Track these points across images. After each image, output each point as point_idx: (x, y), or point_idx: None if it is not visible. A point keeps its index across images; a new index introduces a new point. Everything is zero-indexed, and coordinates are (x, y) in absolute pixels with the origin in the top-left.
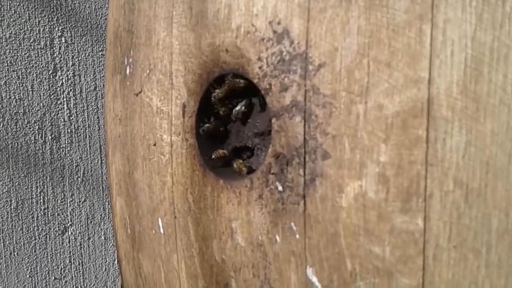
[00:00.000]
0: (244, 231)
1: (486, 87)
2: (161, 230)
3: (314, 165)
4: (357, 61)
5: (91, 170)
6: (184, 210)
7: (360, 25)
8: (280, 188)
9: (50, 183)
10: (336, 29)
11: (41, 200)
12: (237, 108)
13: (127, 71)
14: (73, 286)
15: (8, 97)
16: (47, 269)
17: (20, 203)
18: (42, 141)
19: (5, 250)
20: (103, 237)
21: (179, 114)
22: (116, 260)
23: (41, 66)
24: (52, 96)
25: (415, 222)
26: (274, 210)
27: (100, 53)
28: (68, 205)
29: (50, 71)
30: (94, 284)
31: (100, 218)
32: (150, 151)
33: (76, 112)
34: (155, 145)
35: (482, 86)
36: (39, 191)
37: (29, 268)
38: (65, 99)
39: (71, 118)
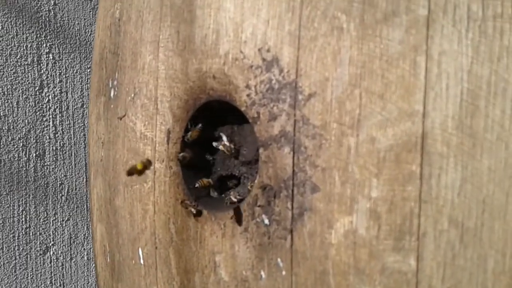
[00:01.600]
0: (228, 265)
1: (482, 122)
2: (141, 261)
3: (303, 199)
4: (348, 92)
5: (76, 189)
6: (166, 240)
7: (352, 55)
8: (266, 221)
9: (33, 201)
10: (327, 59)
11: (23, 219)
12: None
13: (111, 94)
14: None
15: None
16: None
17: (1, 222)
18: (26, 158)
19: None
20: (85, 258)
21: (163, 140)
22: None
23: (27, 82)
24: (38, 113)
25: (407, 262)
26: (260, 244)
27: (88, 71)
28: (51, 224)
29: (37, 88)
30: None
31: (84, 238)
32: (132, 178)
33: (62, 129)
34: None
35: (478, 121)
36: (21, 209)
37: None
38: (51, 116)
39: (56, 135)
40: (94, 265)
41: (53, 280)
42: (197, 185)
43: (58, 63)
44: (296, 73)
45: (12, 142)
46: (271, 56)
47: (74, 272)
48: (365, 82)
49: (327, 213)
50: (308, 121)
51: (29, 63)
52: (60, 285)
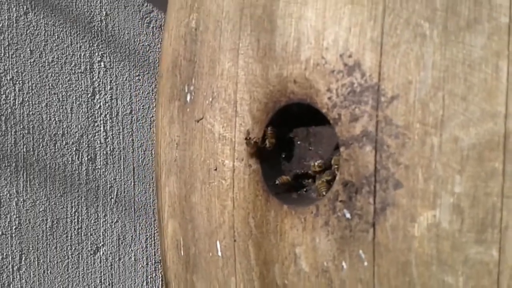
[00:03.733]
0: (309, 256)
1: None
2: (219, 253)
3: (385, 194)
4: (431, 94)
5: (124, 192)
6: (245, 234)
7: (435, 60)
8: (348, 215)
9: (84, 203)
10: (410, 63)
11: (76, 220)
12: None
13: (188, 98)
14: None
15: (48, 118)
16: None
17: (55, 222)
18: (78, 162)
19: (39, 268)
20: (133, 258)
21: (242, 140)
22: (145, 281)
23: (80, 90)
24: (90, 118)
25: (489, 253)
26: (341, 237)
27: (137, 78)
28: (101, 225)
29: (89, 95)
30: None
31: (131, 239)
32: (210, 176)
33: (112, 134)
34: (216, 169)
35: None
36: (74, 210)
37: (61, 287)
38: (102, 122)
39: (107, 140)
40: (141, 263)
41: (102, 279)
42: (277, 182)
43: (109, 71)
44: (378, 77)
45: (66, 146)
46: (353, 61)
47: (122, 272)
48: (448, 85)
49: (410, 208)
50: (391, 121)
51: (82, 71)
52: (109, 284)
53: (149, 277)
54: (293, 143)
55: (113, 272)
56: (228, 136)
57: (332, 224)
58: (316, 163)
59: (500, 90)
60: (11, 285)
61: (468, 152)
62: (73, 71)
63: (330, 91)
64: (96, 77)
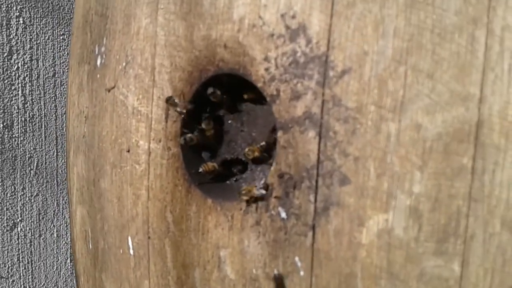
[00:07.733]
0: (235, 261)
1: None
2: (131, 251)
3: (329, 191)
4: (391, 69)
5: (46, 163)
6: (161, 230)
7: (397, 25)
8: (283, 215)
9: None
10: (367, 29)
11: None
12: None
13: (98, 62)
14: (21, 285)
15: None
16: None
17: None
18: None
19: None
20: (55, 234)
21: (160, 117)
22: (68, 259)
23: None
24: (6, 81)
25: (450, 267)
26: (274, 241)
27: (61, 37)
28: (19, 199)
29: (5, 54)
30: (43, 284)
31: (53, 214)
32: (122, 158)
33: (31, 99)
34: (128, 151)
35: None
36: None
37: None
38: (20, 85)
39: (25, 106)
40: (65, 239)
41: (20, 257)
42: (200, 169)
43: (29, 28)
44: (327, 45)
45: None
46: (297, 23)
47: (42, 249)
48: (412, 58)
49: (358, 209)
50: (340, 102)
51: None
52: (28, 263)
53: None
54: (221, 122)
55: (32, 249)
56: (144, 111)
57: (264, 224)
58: (250, 148)
59: (475, 67)
60: None
61: (432, 143)
62: None
63: (267, 61)
64: (14, 34)
